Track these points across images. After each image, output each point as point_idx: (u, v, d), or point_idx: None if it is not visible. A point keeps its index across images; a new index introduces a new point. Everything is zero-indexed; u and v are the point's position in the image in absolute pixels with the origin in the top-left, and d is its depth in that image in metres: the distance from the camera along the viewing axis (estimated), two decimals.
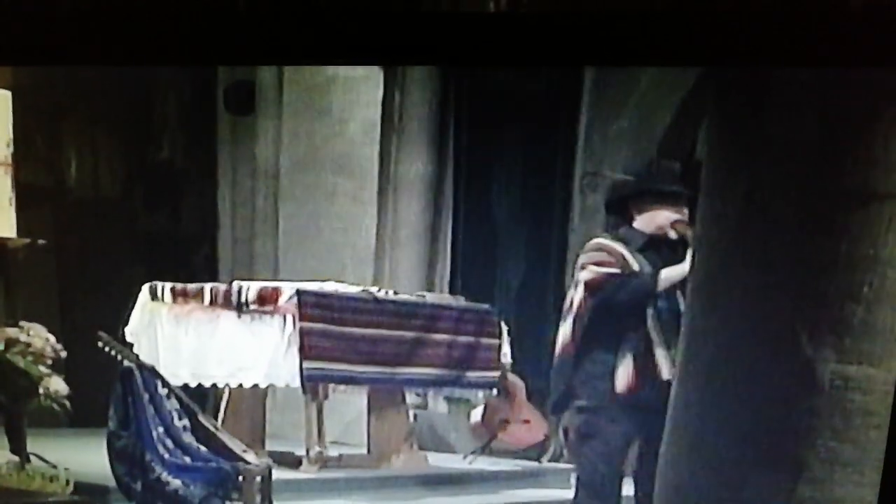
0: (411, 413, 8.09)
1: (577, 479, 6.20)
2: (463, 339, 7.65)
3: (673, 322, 5.84)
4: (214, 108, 10.07)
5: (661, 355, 5.92)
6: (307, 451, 7.24)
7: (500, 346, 7.84)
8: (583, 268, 6.04)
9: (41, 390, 5.83)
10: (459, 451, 8.50)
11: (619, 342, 5.93)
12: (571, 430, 6.21)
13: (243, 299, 7.11)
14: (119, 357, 5.59)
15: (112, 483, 5.51)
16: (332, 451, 7.47)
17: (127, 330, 7.31)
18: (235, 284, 7.30)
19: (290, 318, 7.00)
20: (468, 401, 8.56)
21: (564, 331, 6.12)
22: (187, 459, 5.45)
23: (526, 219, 10.23)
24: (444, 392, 7.97)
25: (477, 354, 7.70)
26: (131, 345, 6.95)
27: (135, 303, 7.45)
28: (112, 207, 9.83)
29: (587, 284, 6.01)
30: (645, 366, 5.88)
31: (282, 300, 7.03)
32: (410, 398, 8.02)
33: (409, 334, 7.46)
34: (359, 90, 9.68)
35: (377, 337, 7.30)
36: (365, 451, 7.77)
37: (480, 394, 8.02)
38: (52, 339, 6.00)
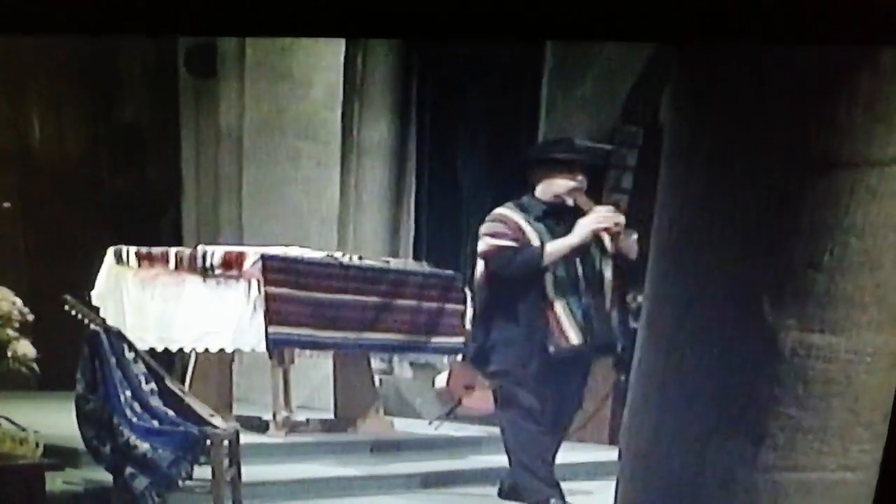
0: (377, 378, 8.12)
1: (505, 443, 6.41)
2: (427, 304, 7.68)
3: (573, 288, 6.23)
4: (176, 70, 10.01)
5: (565, 321, 6.12)
6: (274, 416, 7.29)
7: (464, 312, 7.86)
8: (481, 238, 6.33)
9: (9, 353, 5.81)
10: (425, 417, 8.53)
11: (518, 312, 6.22)
12: (494, 394, 6.44)
13: (208, 264, 7.12)
14: (85, 320, 5.59)
15: (82, 446, 5.54)
16: (299, 416, 7.53)
17: (93, 293, 7.31)
18: (200, 249, 7.30)
19: (255, 283, 7.01)
20: (433, 366, 8.60)
21: (476, 297, 6.53)
22: (155, 423, 5.46)
23: (490, 184, 10.24)
24: (409, 357, 8.01)
25: (441, 320, 7.74)
26: (98, 308, 6.96)
27: (100, 266, 7.45)
28: (76, 170, 9.78)
29: (482, 256, 6.32)
30: (548, 332, 6.18)
31: (247, 265, 7.03)
32: (376, 363, 8.06)
33: (374, 300, 7.48)
34: (321, 54, 9.64)
35: (342, 302, 7.32)
36: (331, 415, 7.84)
37: (445, 359, 8.06)
38: (19, 302, 5.98)
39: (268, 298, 6.95)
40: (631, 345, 6.28)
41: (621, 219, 6.36)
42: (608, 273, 6.37)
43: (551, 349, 6.21)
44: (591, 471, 7.44)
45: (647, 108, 10.24)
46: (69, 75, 9.63)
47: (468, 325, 7.75)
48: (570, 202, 6.39)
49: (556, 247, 6.25)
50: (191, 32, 8.44)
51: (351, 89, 9.72)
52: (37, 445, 5.13)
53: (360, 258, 7.87)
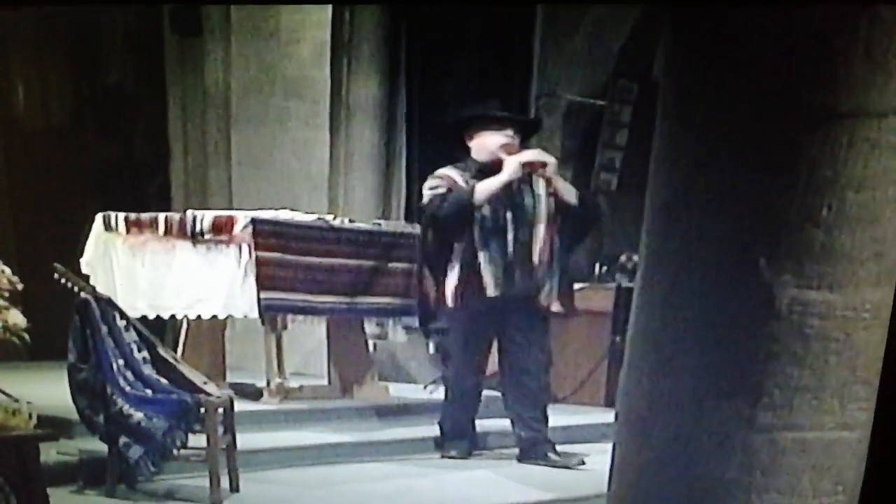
0: (371, 343, 8.09)
1: (446, 393, 6.81)
2: None
3: (496, 238, 6.45)
4: (161, 30, 9.93)
5: (486, 271, 6.40)
6: (268, 383, 7.27)
7: None
8: (422, 193, 6.68)
9: None
10: (419, 381, 8.53)
11: (449, 261, 6.49)
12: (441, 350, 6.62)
13: (198, 229, 7.07)
14: (75, 289, 5.56)
15: (75, 416, 5.52)
16: (293, 382, 7.52)
17: (82, 261, 7.26)
18: (190, 214, 7.25)
19: (245, 248, 6.96)
20: None
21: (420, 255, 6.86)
22: (148, 392, 5.46)
23: None
24: (403, 321, 7.96)
25: None
26: (87, 276, 6.92)
27: (89, 233, 7.40)
28: (62, 136, 9.73)
29: (420, 208, 6.70)
30: (471, 281, 6.43)
31: (237, 229, 6.99)
32: (370, 328, 8.02)
33: (367, 263, 7.43)
34: (308, 10, 9.60)
35: (334, 266, 7.28)
36: (325, 381, 7.83)
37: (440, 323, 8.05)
38: (8, 270, 5.94)
39: (259, 263, 6.91)
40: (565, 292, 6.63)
41: (551, 160, 6.59)
42: (541, 223, 6.51)
43: (471, 300, 6.45)
44: (588, 433, 7.44)
45: (641, 62, 10.19)
46: (52, 39, 9.56)
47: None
48: (504, 157, 6.54)
49: (486, 184, 6.48)
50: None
51: (339, 47, 9.64)
52: (30, 416, 5.07)
53: (352, 221, 7.83)
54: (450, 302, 6.49)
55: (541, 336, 6.67)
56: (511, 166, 6.47)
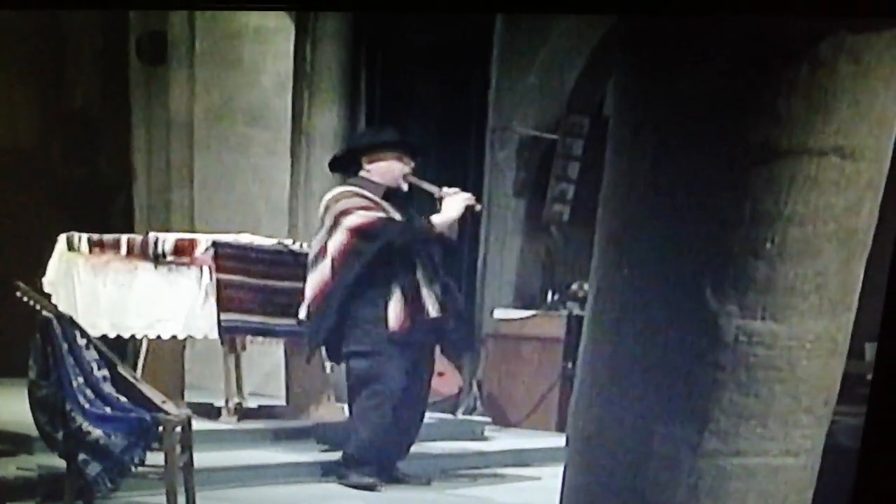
0: (327, 365, 8.14)
1: (363, 420, 6.60)
2: None
3: (432, 264, 6.55)
4: (127, 57, 9.98)
5: (426, 294, 6.46)
6: (226, 403, 7.31)
7: None
8: (345, 213, 6.49)
9: None
10: None
11: (390, 285, 6.44)
12: (352, 376, 6.61)
13: (160, 250, 7.13)
14: (37, 307, 5.58)
15: (35, 433, 5.53)
16: (251, 402, 7.58)
17: (45, 280, 7.30)
18: (152, 235, 7.31)
19: (206, 270, 7.04)
20: None
21: (320, 277, 6.56)
22: (108, 409, 5.44)
23: (438, 173, 10.28)
24: None
25: None
26: (49, 295, 6.96)
27: (52, 253, 7.45)
28: (28, 157, 9.73)
29: (359, 229, 6.47)
30: (414, 305, 6.44)
31: (198, 251, 7.06)
32: None
33: None
34: (271, 41, 9.63)
35: (293, 289, 7.31)
36: (283, 402, 7.87)
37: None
38: None
39: (219, 285, 6.98)
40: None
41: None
42: (437, 255, 6.66)
43: (414, 321, 6.47)
44: (540, 457, 7.51)
45: (593, 97, 10.33)
46: (19, 63, 9.58)
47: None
48: (404, 186, 6.73)
49: (443, 220, 6.63)
50: (142, 5, 8.47)
51: (300, 77, 9.72)
52: None
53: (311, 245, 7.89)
54: (394, 324, 6.47)
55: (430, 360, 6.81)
56: (458, 206, 6.65)
